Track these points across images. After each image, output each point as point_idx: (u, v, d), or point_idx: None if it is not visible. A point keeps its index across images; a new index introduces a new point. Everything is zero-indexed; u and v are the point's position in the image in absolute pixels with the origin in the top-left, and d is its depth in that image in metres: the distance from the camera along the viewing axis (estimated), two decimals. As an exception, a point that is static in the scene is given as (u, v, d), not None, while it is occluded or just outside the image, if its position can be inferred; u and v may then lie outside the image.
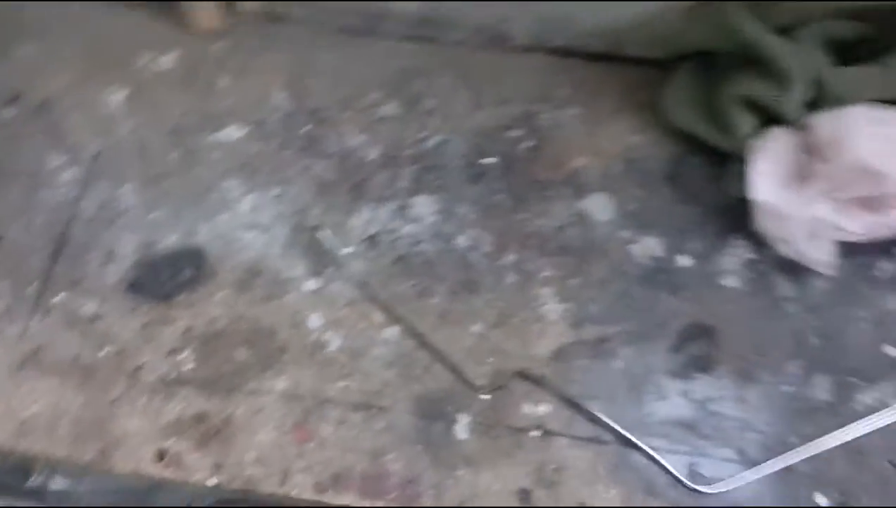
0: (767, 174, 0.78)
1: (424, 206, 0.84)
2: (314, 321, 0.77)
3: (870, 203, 0.75)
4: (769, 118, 0.81)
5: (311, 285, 0.79)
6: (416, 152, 0.87)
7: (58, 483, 0.83)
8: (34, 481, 0.87)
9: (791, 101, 0.79)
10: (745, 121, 0.81)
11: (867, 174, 0.73)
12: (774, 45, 0.78)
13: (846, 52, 0.81)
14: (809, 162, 0.78)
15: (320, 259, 0.80)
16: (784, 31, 0.80)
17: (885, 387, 0.73)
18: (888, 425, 0.71)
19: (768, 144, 0.79)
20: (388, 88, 0.91)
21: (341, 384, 0.75)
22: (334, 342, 0.76)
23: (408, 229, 0.82)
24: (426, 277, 0.80)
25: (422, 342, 0.76)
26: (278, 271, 0.80)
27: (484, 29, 0.93)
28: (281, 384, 0.74)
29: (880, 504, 0.68)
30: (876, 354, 0.75)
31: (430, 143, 0.87)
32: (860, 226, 0.76)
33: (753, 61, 0.80)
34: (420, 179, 0.85)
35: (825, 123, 0.77)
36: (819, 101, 0.79)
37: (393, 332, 0.77)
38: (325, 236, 0.81)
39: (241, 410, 0.73)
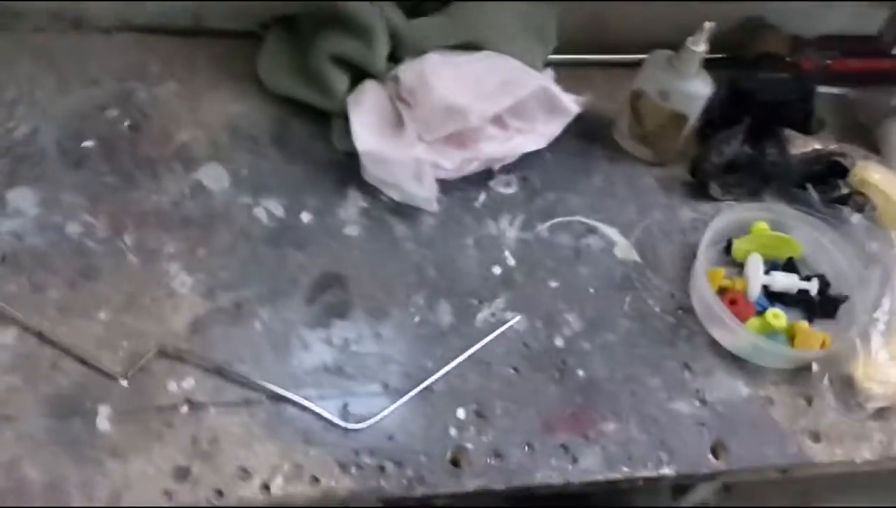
0: (367, 125, 0.83)
1: (24, 198, 0.77)
2: None
3: (458, 139, 0.83)
4: (361, 74, 0.85)
5: None
6: (5, 144, 0.80)
7: None
8: None
9: (376, 55, 0.84)
10: (338, 78, 0.85)
11: (451, 112, 0.81)
12: (353, 4, 0.83)
13: (416, 8, 0.88)
14: (402, 110, 0.84)
15: None
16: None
17: (498, 303, 0.81)
18: (504, 335, 0.79)
19: (363, 97, 0.84)
20: (-44, 78, 0.82)
21: (-47, 402, 0.67)
22: (-63, 360, 0.68)
23: (9, 224, 0.76)
24: (38, 271, 0.74)
25: (43, 338, 0.71)
26: None
27: (60, 14, 0.88)
28: None
29: (512, 406, 0.75)
30: (485, 274, 0.83)
31: (19, 133, 0.81)
32: (453, 162, 0.83)
33: (336, 21, 0.84)
34: (14, 171, 0.79)
35: (408, 71, 0.84)
36: (399, 52, 0.85)
37: (9, 334, 0.70)
38: None
39: None
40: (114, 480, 0.66)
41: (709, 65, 0.89)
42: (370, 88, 0.84)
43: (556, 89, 0.84)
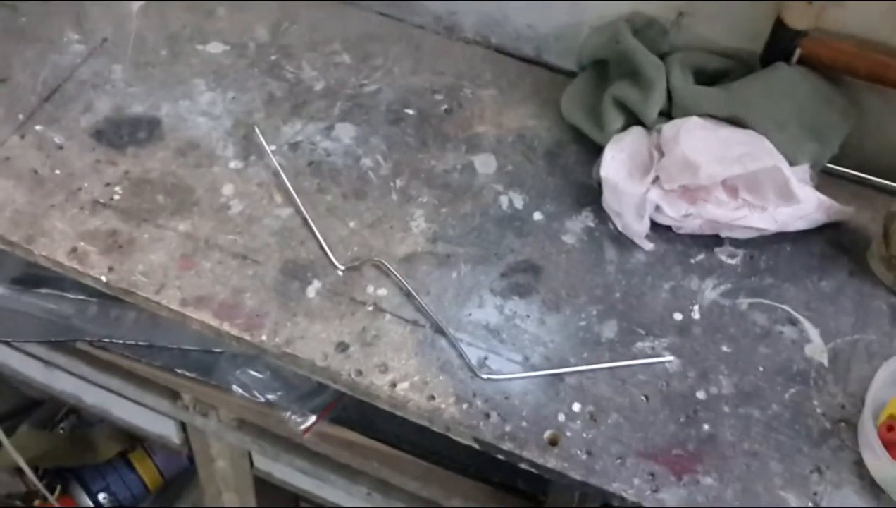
0: (617, 160, 0.94)
1: (346, 131, 1.02)
2: (227, 189, 0.95)
3: (690, 194, 0.91)
4: (635, 120, 0.97)
5: (235, 164, 0.97)
6: (354, 93, 1.05)
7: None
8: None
9: (650, 106, 0.95)
10: (615, 119, 0.97)
11: (686, 166, 0.89)
12: (645, 59, 0.95)
13: (706, 77, 0.97)
14: (653, 158, 0.93)
15: (249, 149, 0.98)
16: (663, 54, 0.98)
17: (662, 341, 0.87)
18: (652, 366, 0.85)
19: (626, 137, 0.95)
20: (349, 44, 1.10)
21: (231, 237, 0.91)
22: (237, 207, 0.94)
23: (326, 144, 1.00)
24: (328, 180, 0.97)
25: (306, 223, 0.93)
26: (212, 149, 0.98)
27: (439, 18, 1.12)
28: (184, 226, 0.92)
29: (625, 424, 0.81)
30: (665, 316, 0.89)
31: (368, 88, 1.06)
32: (677, 212, 0.91)
33: (629, 71, 0.97)
34: (350, 112, 1.03)
35: (669, 126, 0.93)
36: (673, 111, 0.96)
37: (286, 211, 0.94)
38: (259, 133, 0.98)
39: (146, 236, 0.91)
40: (295, 329, 0.85)
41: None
42: (635, 132, 0.96)
43: (790, 174, 0.87)
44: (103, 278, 0.88)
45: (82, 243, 0.90)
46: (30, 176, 0.94)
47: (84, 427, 1.54)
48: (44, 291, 1.08)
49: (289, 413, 1.03)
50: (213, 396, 1.07)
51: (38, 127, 0.98)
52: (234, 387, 1.02)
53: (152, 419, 1.21)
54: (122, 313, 1.07)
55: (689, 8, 0.99)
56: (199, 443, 1.22)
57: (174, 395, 1.12)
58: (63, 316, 1.08)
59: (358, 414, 1.02)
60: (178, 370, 1.05)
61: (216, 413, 1.11)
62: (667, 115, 0.97)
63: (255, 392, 1.01)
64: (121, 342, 1.06)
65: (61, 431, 1.54)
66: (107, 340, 1.06)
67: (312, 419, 1.03)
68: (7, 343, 1.18)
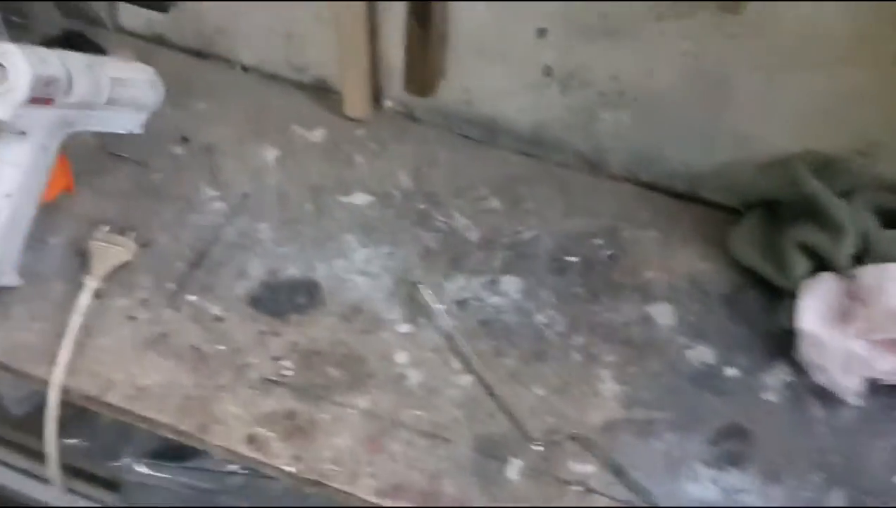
0: (814, 310, 0.89)
1: (511, 284, 0.96)
2: (401, 357, 0.89)
3: (897, 345, 0.86)
4: (821, 264, 0.92)
5: (404, 328, 0.92)
6: (511, 241, 1.00)
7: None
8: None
9: (842, 251, 0.90)
10: (800, 263, 0.93)
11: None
12: (832, 202, 0.91)
13: (891, 219, 0.93)
14: (851, 306, 0.89)
15: (415, 310, 0.93)
16: (841, 194, 0.94)
17: (897, 509, 0.81)
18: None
19: (818, 286, 0.91)
20: (494, 187, 1.06)
21: (415, 412, 0.85)
22: (415, 377, 0.88)
23: (494, 300, 0.95)
24: (504, 341, 0.91)
25: (491, 392, 0.87)
26: (378, 312, 0.93)
27: (583, 155, 1.08)
28: (363, 402, 0.86)
29: None
30: (887, 480, 0.83)
31: (524, 236, 1.01)
32: (888, 366, 0.86)
33: (812, 213, 0.93)
34: (511, 262, 0.98)
35: (868, 273, 0.89)
36: (865, 256, 0.91)
37: (467, 380, 0.88)
38: (424, 291, 0.93)
39: (327, 416, 0.84)
40: (505, 519, 0.79)
41: None
42: (827, 279, 0.91)
43: None
44: (292, 470, 0.81)
45: (260, 429, 0.83)
46: (191, 354, 0.88)
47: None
48: (185, 465, 1.01)
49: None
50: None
51: (191, 297, 0.92)
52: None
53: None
54: (268, 483, 1.00)
55: (868, 147, 0.95)
56: None
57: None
58: (204, 490, 1.01)
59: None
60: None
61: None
62: (856, 258, 0.92)
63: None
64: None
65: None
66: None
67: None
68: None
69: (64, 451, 0.93)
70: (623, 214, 1.04)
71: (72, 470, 1.10)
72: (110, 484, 1.09)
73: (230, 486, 0.99)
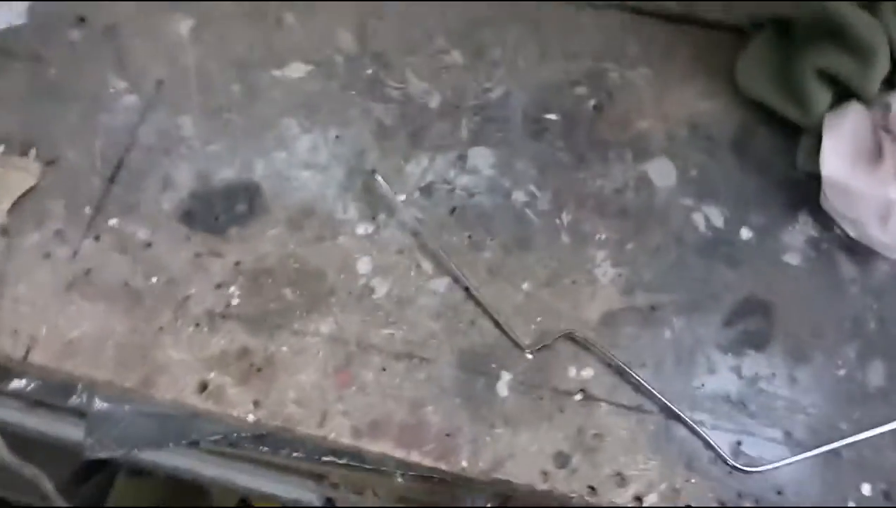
0: (840, 150, 0.75)
1: (482, 158, 0.82)
2: (363, 266, 0.77)
3: (947, 190, 0.72)
4: (846, 93, 0.78)
5: (363, 229, 0.79)
6: (478, 103, 0.85)
7: (99, 404, 0.85)
8: (75, 401, 0.89)
9: (872, 77, 0.75)
10: (820, 94, 0.78)
11: (947, 159, 0.70)
12: (857, 18, 0.75)
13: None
14: (885, 142, 0.75)
15: (374, 204, 0.80)
16: (866, 5, 0.77)
17: (945, 380, 0.71)
18: (944, 418, 0.69)
19: (844, 120, 0.76)
20: (454, 37, 0.89)
21: (386, 331, 0.74)
22: (382, 288, 0.76)
23: (464, 180, 0.81)
24: (480, 230, 0.79)
25: (470, 295, 0.75)
26: (331, 212, 0.79)
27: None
28: (326, 327, 0.74)
29: (930, 499, 0.66)
30: (936, 345, 0.72)
31: (493, 94, 0.85)
32: (931, 211, 0.73)
33: (833, 33, 0.76)
34: (480, 130, 0.83)
35: (906, 101, 0.74)
36: (898, 78, 0.76)
37: (442, 283, 0.76)
38: (381, 181, 0.79)
39: (285, 349, 0.73)
40: (500, 445, 0.69)
41: None
42: (854, 112, 0.76)
43: None
44: (250, 419, 0.71)
45: (212, 374, 0.72)
46: (122, 292, 0.76)
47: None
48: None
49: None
50: (368, 480, 0.92)
51: (112, 221, 0.79)
52: (399, 479, 0.86)
53: (290, 491, 1.07)
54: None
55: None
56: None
57: (319, 477, 0.97)
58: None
59: None
60: (325, 459, 0.89)
61: (371, 490, 0.97)
62: (887, 82, 0.77)
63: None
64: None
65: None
66: (234, 435, 0.90)
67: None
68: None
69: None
70: (608, 51, 0.88)
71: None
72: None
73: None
